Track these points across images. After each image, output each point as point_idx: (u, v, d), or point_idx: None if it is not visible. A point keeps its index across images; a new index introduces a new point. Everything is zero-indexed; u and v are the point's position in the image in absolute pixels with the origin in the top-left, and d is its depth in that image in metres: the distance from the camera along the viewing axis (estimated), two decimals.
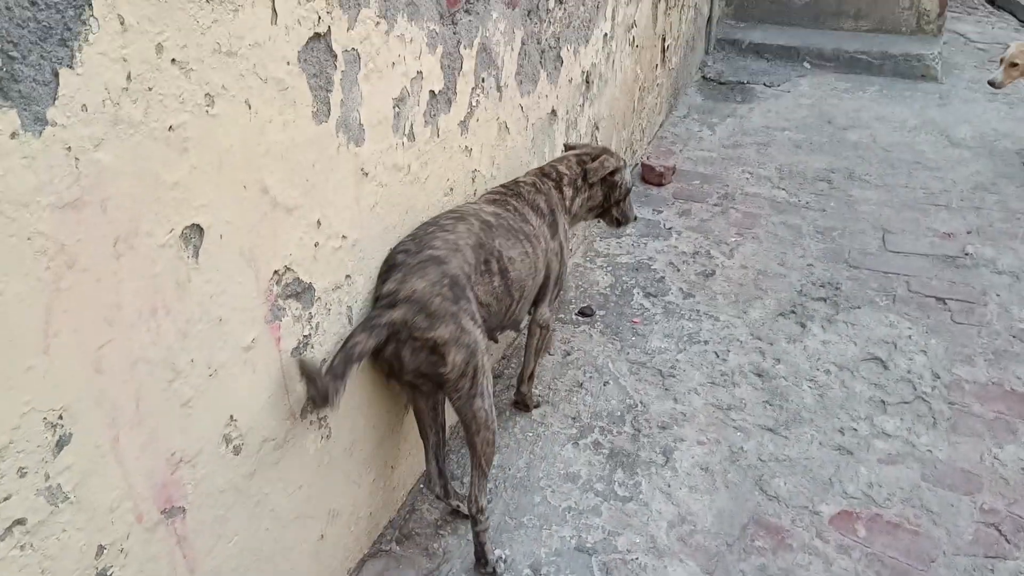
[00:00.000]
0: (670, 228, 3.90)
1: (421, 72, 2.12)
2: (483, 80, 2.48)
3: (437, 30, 2.16)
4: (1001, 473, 2.57)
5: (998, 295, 3.38)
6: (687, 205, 4.10)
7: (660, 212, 4.04)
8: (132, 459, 1.43)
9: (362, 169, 1.94)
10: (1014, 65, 4.31)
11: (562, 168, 2.66)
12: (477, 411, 2.12)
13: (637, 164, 4.36)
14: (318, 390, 1.74)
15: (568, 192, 2.66)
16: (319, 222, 1.81)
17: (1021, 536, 2.36)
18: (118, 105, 1.27)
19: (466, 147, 2.45)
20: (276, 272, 1.69)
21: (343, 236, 1.91)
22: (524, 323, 2.66)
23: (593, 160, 2.70)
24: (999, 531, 2.38)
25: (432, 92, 2.19)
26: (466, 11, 2.30)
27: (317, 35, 1.68)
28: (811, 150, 4.64)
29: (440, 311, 1.98)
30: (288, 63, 1.61)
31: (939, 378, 2.96)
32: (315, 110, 1.72)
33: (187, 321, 1.47)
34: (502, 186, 2.54)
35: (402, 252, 2.08)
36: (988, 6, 6.91)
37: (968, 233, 3.81)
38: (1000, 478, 2.56)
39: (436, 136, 2.26)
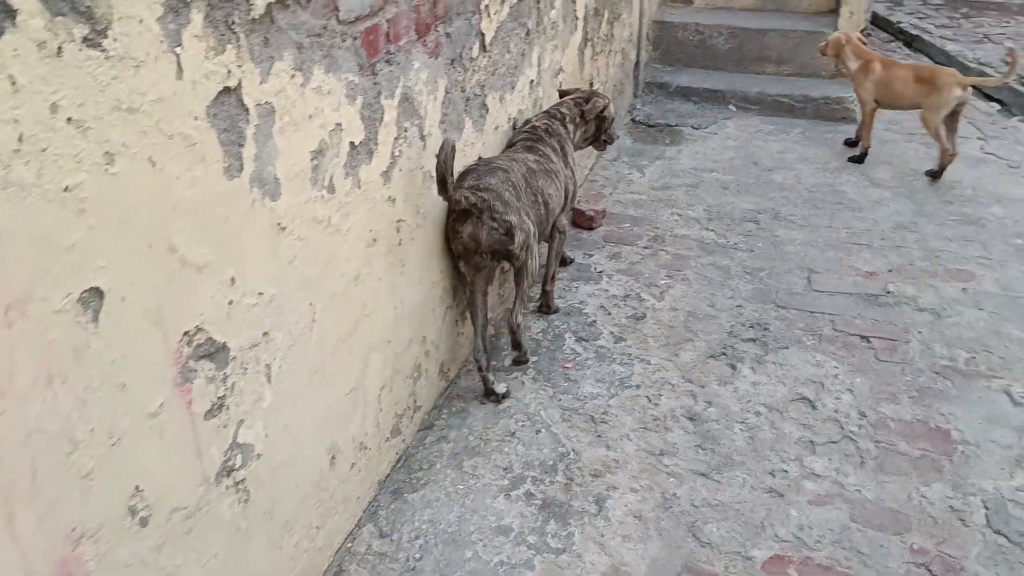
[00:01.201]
0: (601, 272, 3.91)
1: (340, 124, 2.09)
2: (406, 130, 2.46)
3: (356, 81, 2.14)
4: (929, 512, 2.60)
5: (920, 332, 3.46)
6: (617, 248, 4.12)
7: (591, 256, 4.06)
8: (29, 536, 1.35)
9: (279, 223, 1.89)
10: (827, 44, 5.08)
11: (564, 110, 3.43)
12: (529, 267, 2.97)
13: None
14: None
15: (571, 128, 3.44)
16: (233, 279, 1.75)
17: None
18: (8, 167, 1.21)
19: (389, 197, 2.42)
20: (186, 333, 1.63)
21: (259, 292, 1.86)
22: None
23: (587, 102, 3.49)
24: (929, 571, 2.40)
25: (352, 143, 2.17)
26: (387, 61, 2.28)
27: (227, 89, 1.64)
28: (738, 191, 4.72)
29: (510, 202, 2.80)
30: (196, 118, 1.56)
31: (865, 417, 3.00)
32: (227, 165, 1.67)
33: (86, 389, 1.40)
34: (527, 131, 3.27)
35: (472, 169, 2.86)
36: (905, 48, 7.19)
37: (890, 271, 3.91)
38: (928, 517, 2.59)
39: (357, 187, 2.23)
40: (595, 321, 3.54)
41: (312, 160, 1.99)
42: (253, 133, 1.74)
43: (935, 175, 4.83)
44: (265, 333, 1.91)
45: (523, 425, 2.94)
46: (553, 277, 3.56)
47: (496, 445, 2.85)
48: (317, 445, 2.23)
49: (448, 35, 2.67)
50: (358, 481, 2.49)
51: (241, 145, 1.72)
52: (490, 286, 3.09)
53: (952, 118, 4.70)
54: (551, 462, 2.78)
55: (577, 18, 4.09)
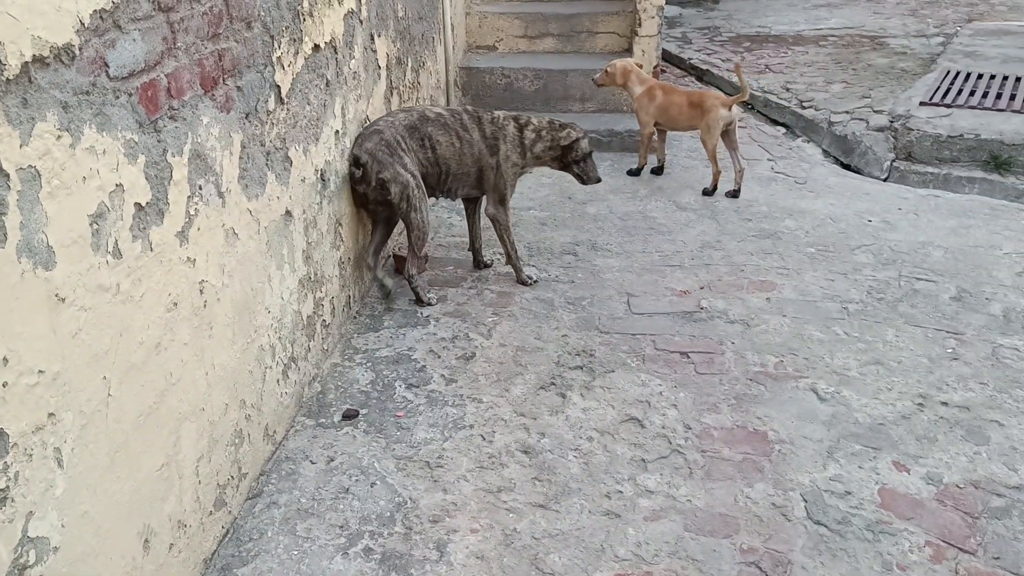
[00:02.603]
0: (428, 316, 3.89)
1: (121, 184, 1.98)
2: (200, 187, 2.36)
3: (137, 139, 2.04)
4: (755, 512, 2.72)
5: (733, 343, 3.64)
6: (443, 291, 4.12)
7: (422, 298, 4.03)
8: None
9: (57, 295, 1.76)
10: (608, 73, 5.43)
11: (534, 120, 4.07)
12: (412, 219, 3.75)
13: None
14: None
15: (530, 135, 4.03)
16: (5, 359, 1.61)
17: (780, 570, 2.49)
18: None
19: (188, 258, 2.31)
20: None
21: (39, 371, 1.71)
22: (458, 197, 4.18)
23: (560, 128, 4.08)
24: (760, 568, 2.50)
25: (138, 204, 2.06)
26: (170, 117, 2.19)
27: None
28: (556, 226, 4.85)
29: (384, 160, 3.62)
30: None
31: (690, 429, 3.11)
32: None
33: None
34: (473, 108, 4.05)
35: (359, 135, 3.71)
36: (698, 82, 7.67)
37: (701, 288, 4.11)
38: (754, 516, 2.70)
39: (149, 250, 2.11)
40: (425, 366, 3.51)
41: (91, 224, 1.87)
42: (16, 200, 1.62)
43: (734, 194, 5.19)
44: (51, 414, 1.76)
45: (357, 480, 2.86)
46: (509, 256, 4.14)
47: (330, 503, 2.75)
48: (126, 530, 2.07)
49: (240, 88, 2.61)
50: (179, 563, 2.32)
51: (3, 213, 1.59)
52: (392, 227, 3.98)
53: (729, 137, 5.15)
54: (388, 513, 2.71)
55: (380, 67, 4.10)
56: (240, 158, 2.61)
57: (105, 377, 1.96)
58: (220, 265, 2.50)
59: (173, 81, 2.21)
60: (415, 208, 3.73)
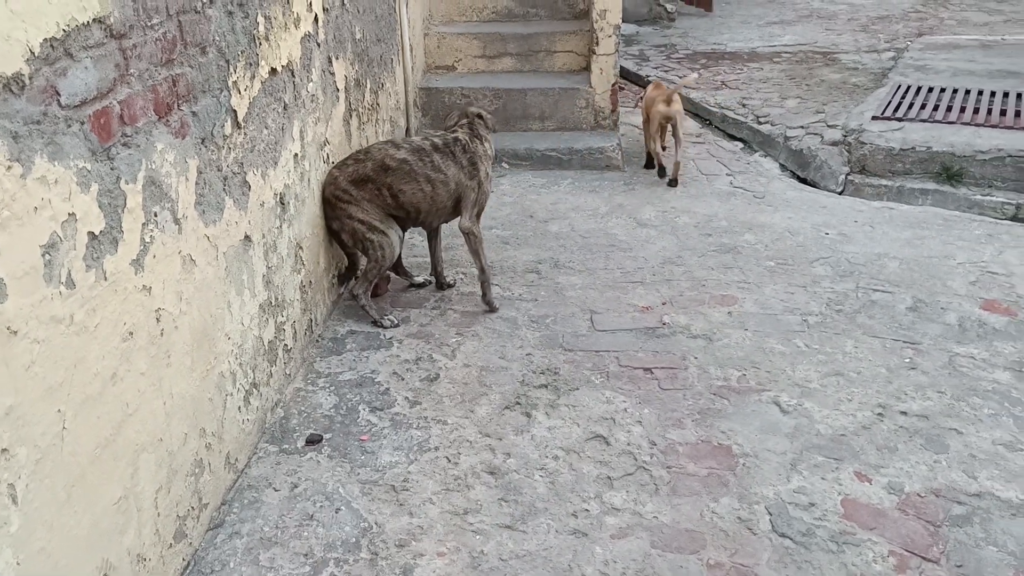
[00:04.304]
0: (391, 337, 3.87)
1: (74, 214, 1.95)
2: (155, 215, 2.33)
3: (89, 168, 2.01)
4: (720, 526, 2.73)
5: (696, 358, 3.67)
6: (405, 312, 4.11)
7: (379, 321, 4.01)
8: None
9: (8, 327, 1.73)
10: None
11: (482, 132, 4.13)
12: (369, 255, 3.89)
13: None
14: None
15: (487, 145, 4.12)
16: None
17: None
18: None
19: (144, 286, 2.28)
20: None
21: None
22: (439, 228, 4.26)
23: (483, 119, 4.19)
24: None
25: (92, 234, 2.03)
26: (124, 144, 2.17)
27: None
28: (518, 245, 4.86)
29: (330, 213, 3.84)
30: None
31: (655, 445, 3.12)
32: None
33: None
34: (441, 137, 4.02)
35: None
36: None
37: (663, 304, 4.14)
38: (720, 531, 2.71)
39: (103, 280, 2.08)
40: (388, 388, 3.49)
41: (44, 255, 1.84)
42: None
43: (672, 183, 5.72)
44: (4, 450, 1.72)
45: (321, 506, 2.82)
46: (481, 271, 4.07)
47: (294, 531, 2.71)
48: (84, 565, 2.02)
49: (195, 114, 2.59)
50: None
51: None
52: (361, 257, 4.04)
53: (671, 131, 5.68)
54: (353, 539, 2.68)
55: (338, 90, 4.09)
56: (196, 184, 2.59)
57: (60, 410, 1.92)
58: (177, 292, 2.47)
59: (126, 108, 2.19)
60: (367, 249, 3.88)
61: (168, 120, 2.42)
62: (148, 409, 2.34)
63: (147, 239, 2.29)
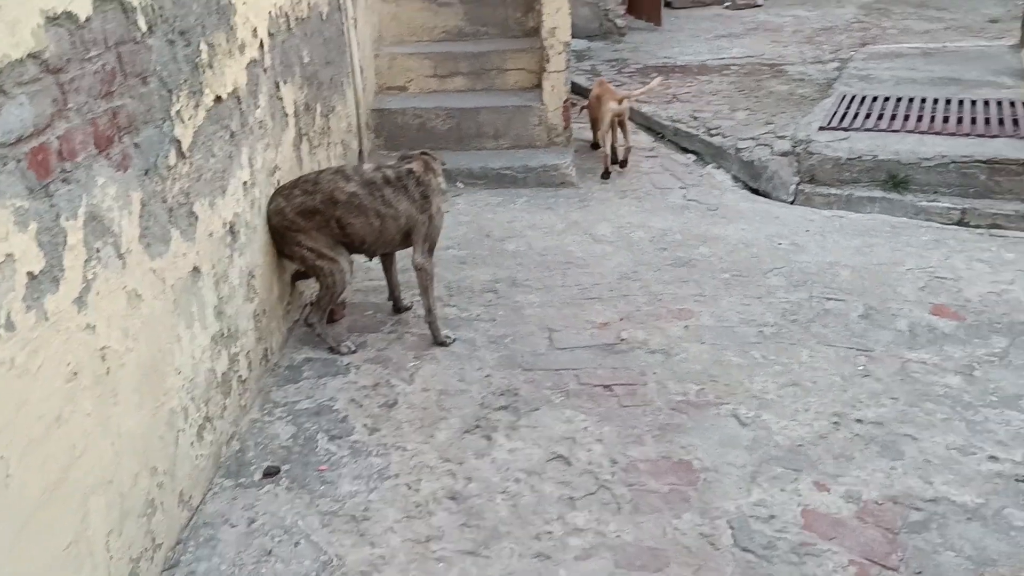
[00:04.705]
0: (348, 364, 3.83)
1: (12, 254, 1.90)
2: (98, 251, 2.28)
3: (27, 206, 1.97)
4: (683, 543, 2.73)
5: (655, 373, 3.68)
6: (363, 337, 4.07)
7: (336, 348, 3.96)
8: None
9: None
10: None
11: (435, 166, 4.03)
12: (321, 283, 3.84)
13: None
14: None
15: (440, 179, 4.02)
16: None
17: None
18: None
19: (88, 325, 2.23)
20: None
21: None
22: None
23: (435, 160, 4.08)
24: None
25: (31, 274, 1.98)
26: (63, 180, 2.12)
27: None
28: (475, 264, 4.85)
29: (279, 240, 3.77)
30: None
31: (616, 463, 3.12)
32: None
33: None
34: (394, 169, 3.93)
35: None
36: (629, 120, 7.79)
37: (621, 320, 4.15)
38: (683, 548, 2.72)
39: (45, 320, 2.03)
40: (347, 416, 3.45)
41: None
42: None
43: (623, 163, 6.27)
44: None
45: (280, 540, 2.77)
46: (429, 311, 3.95)
47: (252, 569, 2.66)
48: None
49: (137, 145, 2.54)
50: None
51: None
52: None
53: (620, 127, 6.17)
54: (314, 574, 2.63)
55: (287, 115, 4.06)
56: (140, 217, 2.54)
57: (3, 456, 1.86)
58: (123, 329, 2.42)
59: (65, 143, 2.14)
60: (318, 275, 3.83)
61: (109, 153, 2.37)
62: (96, 450, 2.28)
63: (90, 276, 2.24)
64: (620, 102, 5.99)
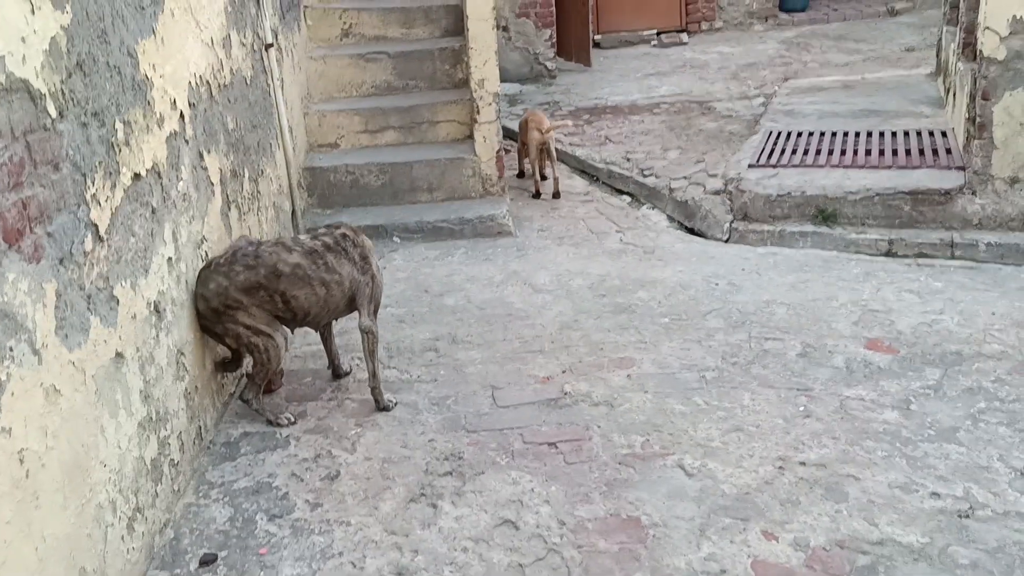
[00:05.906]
0: (287, 435, 3.73)
1: None
2: (11, 349, 2.19)
3: None
4: None
5: (599, 427, 3.66)
6: (302, 406, 3.97)
7: (274, 421, 3.86)
8: None
9: None
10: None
11: (357, 229, 3.98)
12: (256, 359, 3.72)
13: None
14: None
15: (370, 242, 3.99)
16: None
17: None
18: None
19: (3, 428, 2.13)
20: None
21: None
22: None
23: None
24: None
25: None
26: None
27: None
28: (414, 322, 4.79)
29: (214, 320, 3.64)
30: None
31: (564, 524, 3.08)
32: None
33: None
34: (329, 235, 3.86)
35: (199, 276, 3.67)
36: (563, 164, 7.82)
37: (563, 372, 4.13)
38: None
39: None
40: (287, 492, 3.35)
41: None
42: None
43: (537, 195, 6.74)
44: None
45: None
46: (373, 375, 3.88)
47: None
48: None
49: (50, 234, 2.46)
50: None
51: None
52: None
53: (547, 155, 6.65)
54: None
55: (213, 184, 3.98)
56: (56, 308, 2.45)
57: None
58: (42, 428, 2.31)
59: None
60: (258, 349, 3.69)
61: (20, 246, 2.29)
62: (18, 558, 2.17)
63: (3, 377, 2.14)
64: (544, 132, 6.48)
